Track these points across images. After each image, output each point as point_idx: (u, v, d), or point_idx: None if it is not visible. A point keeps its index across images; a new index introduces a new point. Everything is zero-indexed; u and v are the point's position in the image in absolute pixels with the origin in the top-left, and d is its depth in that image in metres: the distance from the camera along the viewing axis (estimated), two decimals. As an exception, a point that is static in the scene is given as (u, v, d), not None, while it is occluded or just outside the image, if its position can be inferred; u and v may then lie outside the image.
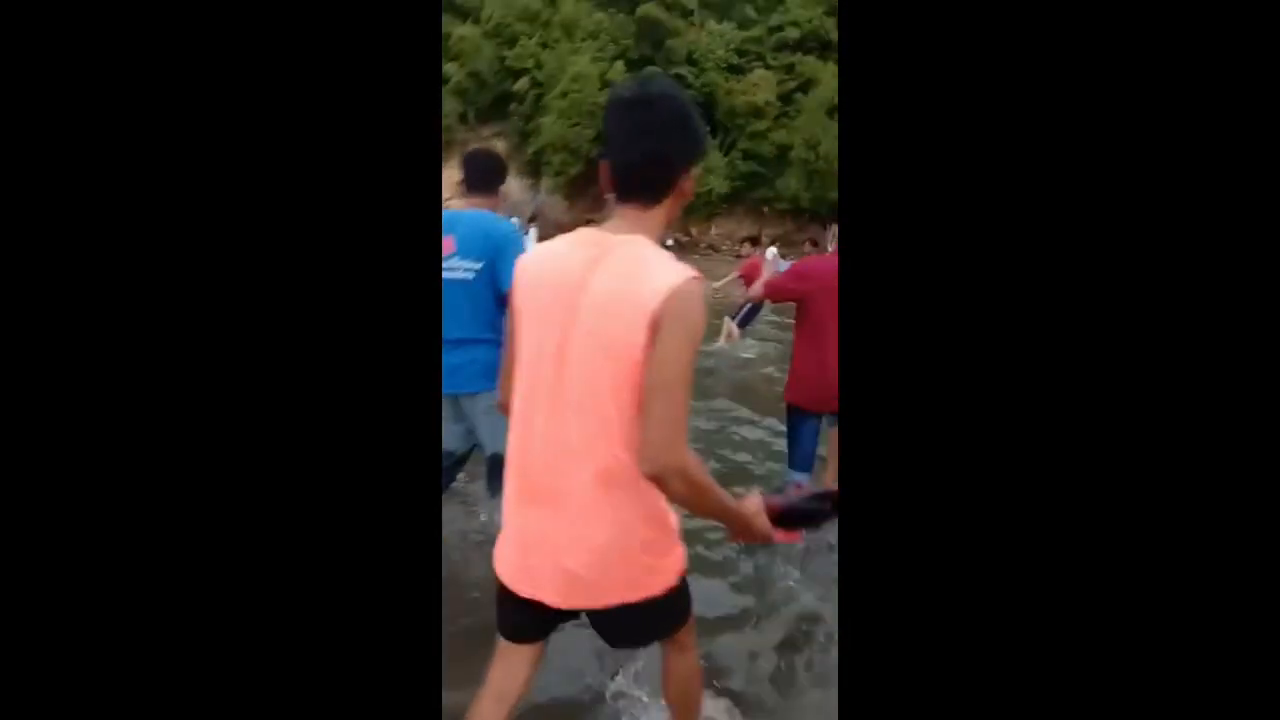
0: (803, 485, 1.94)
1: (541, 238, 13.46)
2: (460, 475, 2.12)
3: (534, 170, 15.92)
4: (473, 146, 2.60)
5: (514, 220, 3.86)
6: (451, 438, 1.97)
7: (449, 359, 1.82)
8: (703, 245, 15.71)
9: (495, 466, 1.91)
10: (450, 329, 1.81)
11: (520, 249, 1.86)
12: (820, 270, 2.03)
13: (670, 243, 7.62)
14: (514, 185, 16.01)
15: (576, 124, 14.90)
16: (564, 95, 15.05)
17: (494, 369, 1.75)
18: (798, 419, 2.11)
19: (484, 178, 2.00)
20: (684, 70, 16.21)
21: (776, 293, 2.20)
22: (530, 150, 15.58)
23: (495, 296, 1.86)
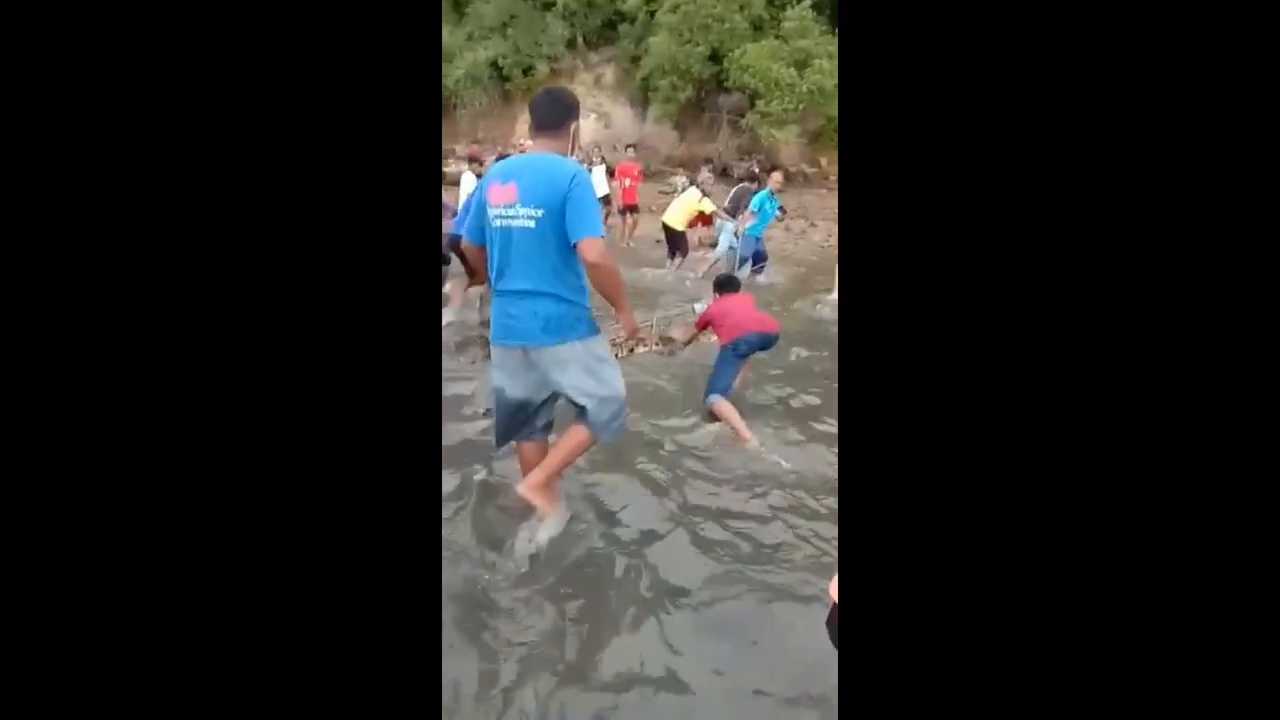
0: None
1: (652, 173, 12.30)
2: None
3: (642, 99, 14.47)
4: (554, 86, 2.25)
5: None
6: (522, 386, 1.93)
7: (512, 309, 1.83)
8: (832, 179, 13.58)
9: (586, 416, 1.90)
10: (512, 279, 1.81)
11: (590, 193, 1.76)
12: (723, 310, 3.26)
13: (768, 177, 6.30)
14: (619, 113, 14.67)
15: (689, 41, 13.15)
16: (675, 9, 13.28)
17: (559, 323, 1.80)
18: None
19: (552, 116, 1.86)
20: (819, -32, 13.67)
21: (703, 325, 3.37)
22: (639, 76, 14.10)
23: (561, 248, 1.76)
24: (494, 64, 14.63)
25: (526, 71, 14.76)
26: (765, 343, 3.19)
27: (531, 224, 1.75)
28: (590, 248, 1.72)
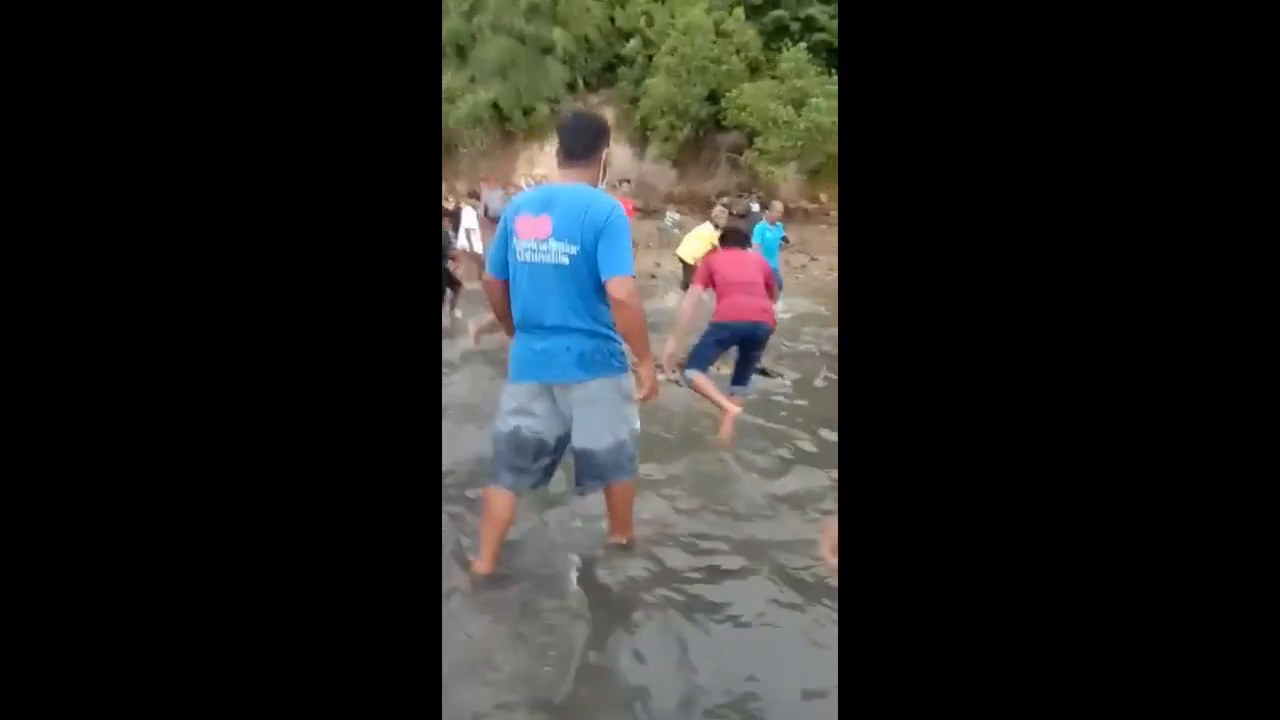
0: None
1: (651, 211, 12.38)
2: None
3: (642, 138, 14.66)
4: (583, 111, 2.27)
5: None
6: (544, 424, 1.82)
7: (541, 345, 1.75)
8: (833, 215, 13.64)
9: (581, 461, 1.85)
10: (543, 315, 1.73)
11: (625, 230, 1.70)
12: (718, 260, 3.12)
13: (766, 209, 6.41)
14: (618, 151, 14.83)
15: (686, 82, 13.38)
16: (673, 51, 13.56)
17: (593, 358, 1.76)
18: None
19: (582, 143, 1.76)
20: (815, 10, 14.03)
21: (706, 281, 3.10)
22: (638, 116, 14.31)
23: (596, 285, 1.70)
24: (495, 104, 14.88)
25: (527, 112, 15.01)
26: (754, 335, 2.99)
27: (566, 260, 1.68)
28: (620, 286, 1.67)
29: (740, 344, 3.05)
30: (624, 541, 1.99)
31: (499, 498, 1.84)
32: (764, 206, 7.39)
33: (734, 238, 3.29)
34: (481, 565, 1.83)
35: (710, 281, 3.06)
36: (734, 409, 2.88)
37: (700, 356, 2.99)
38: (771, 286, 3.18)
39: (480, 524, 1.89)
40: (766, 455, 2.84)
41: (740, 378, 3.14)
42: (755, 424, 3.22)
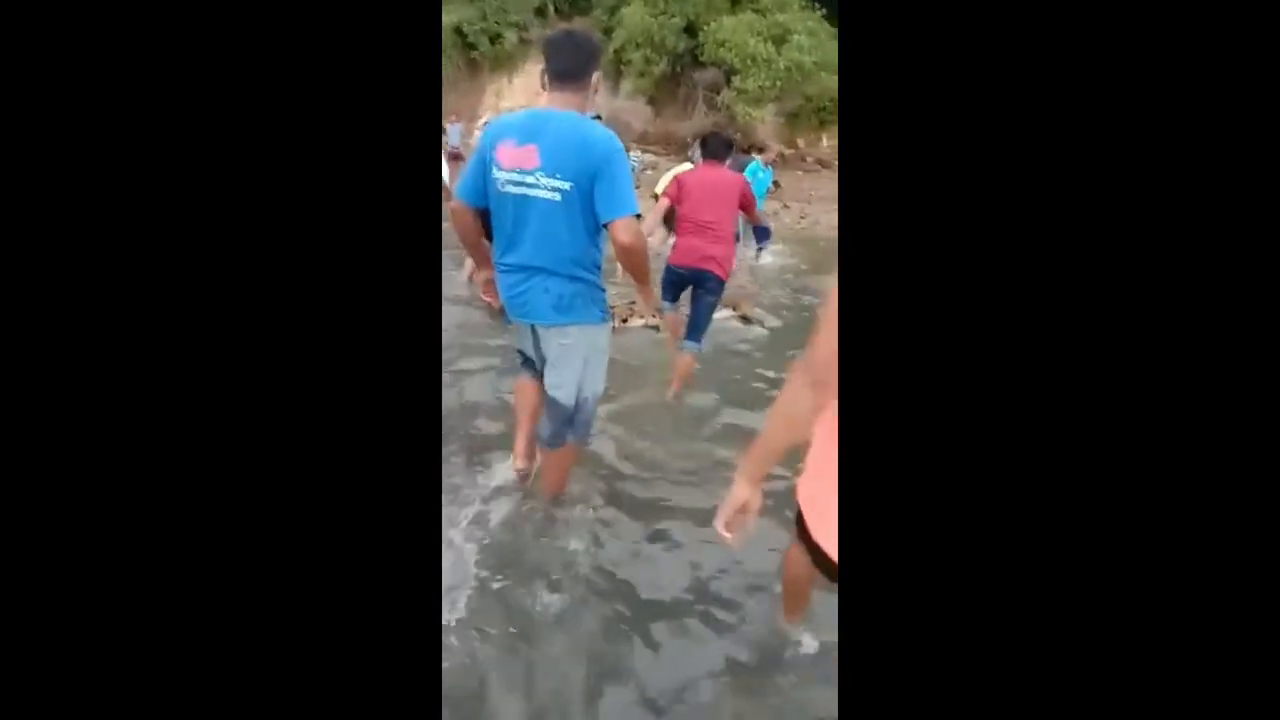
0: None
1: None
2: None
3: (616, 72, 13.98)
4: (574, 28, 1.84)
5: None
6: (536, 357, 1.81)
7: (521, 286, 1.63)
8: (810, 160, 13.38)
9: (554, 409, 1.77)
10: (524, 254, 1.60)
11: (626, 167, 1.53)
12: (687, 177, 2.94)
13: (760, 150, 6.20)
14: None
15: (663, 13, 12.69)
16: (651, -23, 12.78)
17: (572, 302, 1.64)
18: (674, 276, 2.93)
19: (573, 64, 1.56)
20: (798, -61, 13.27)
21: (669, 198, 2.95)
22: (612, 48, 13.58)
23: (588, 226, 1.55)
24: (458, 30, 13.93)
25: (494, 40, 14.11)
26: (700, 281, 2.82)
27: (557, 197, 1.51)
28: (625, 229, 1.51)
29: (691, 289, 2.91)
30: (550, 499, 1.95)
31: (525, 385, 1.95)
32: (744, 150, 7.15)
33: (716, 147, 2.93)
34: (518, 460, 2.00)
35: (678, 200, 2.85)
36: (677, 358, 2.89)
37: (662, 292, 2.93)
38: (750, 208, 2.96)
39: (515, 412, 2.04)
40: (712, 396, 2.91)
41: (691, 331, 2.92)
42: (715, 370, 3.24)
